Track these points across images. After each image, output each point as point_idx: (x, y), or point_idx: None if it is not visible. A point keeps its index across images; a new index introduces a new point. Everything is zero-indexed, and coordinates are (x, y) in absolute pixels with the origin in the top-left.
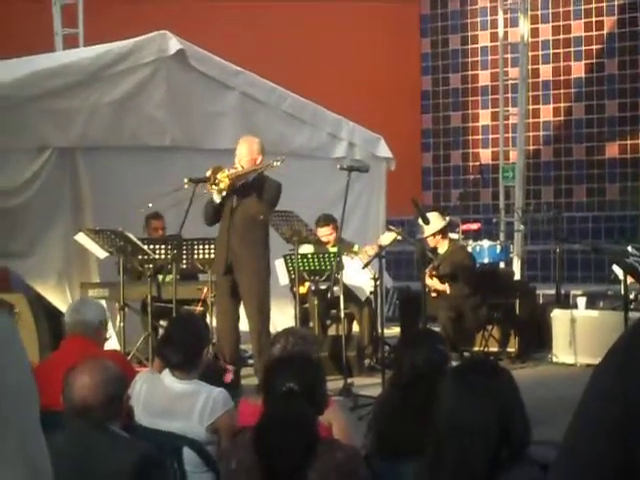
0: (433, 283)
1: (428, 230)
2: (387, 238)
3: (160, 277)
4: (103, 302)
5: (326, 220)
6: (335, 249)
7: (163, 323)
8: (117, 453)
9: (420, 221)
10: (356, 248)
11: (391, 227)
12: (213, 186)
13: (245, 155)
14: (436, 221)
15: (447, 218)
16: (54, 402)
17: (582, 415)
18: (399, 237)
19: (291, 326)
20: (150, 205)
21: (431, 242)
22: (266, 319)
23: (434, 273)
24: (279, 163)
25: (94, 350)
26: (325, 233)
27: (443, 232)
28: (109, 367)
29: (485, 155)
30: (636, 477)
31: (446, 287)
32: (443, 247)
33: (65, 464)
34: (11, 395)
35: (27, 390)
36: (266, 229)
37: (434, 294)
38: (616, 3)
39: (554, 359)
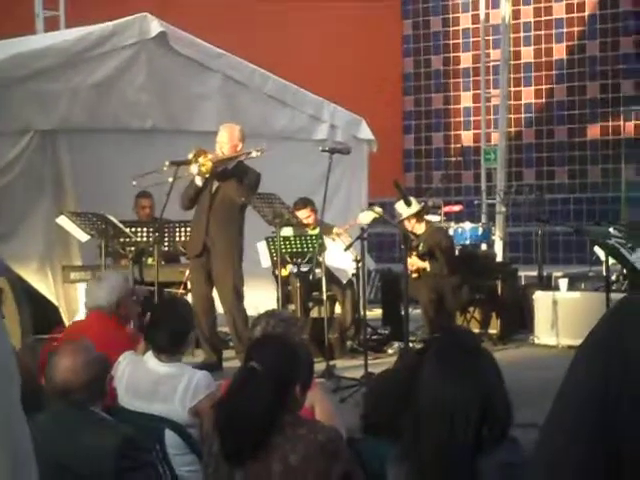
0: (413, 261)
1: (403, 214)
2: (366, 217)
3: (150, 260)
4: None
5: (303, 203)
6: (315, 231)
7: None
8: (99, 435)
9: (398, 205)
10: (335, 230)
11: (374, 207)
12: (195, 169)
13: (226, 142)
14: (410, 206)
15: (422, 203)
16: None
17: (565, 399)
18: (378, 216)
19: (272, 309)
20: (134, 183)
21: (407, 226)
22: (239, 301)
23: (414, 253)
24: (259, 154)
25: (112, 328)
26: (303, 216)
27: (418, 216)
28: (91, 349)
29: (467, 137)
30: (619, 459)
31: (427, 264)
32: (420, 229)
33: (47, 446)
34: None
35: (9, 372)
36: (242, 215)
37: (415, 275)
38: None
39: (536, 341)
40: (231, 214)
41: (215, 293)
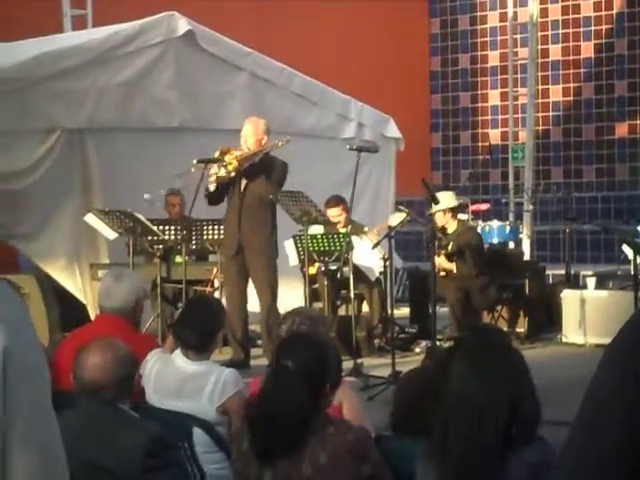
0: (440, 261)
1: (440, 205)
2: (396, 218)
3: (178, 258)
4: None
5: (336, 201)
6: (345, 230)
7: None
8: (127, 434)
9: (440, 194)
10: (366, 229)
11: (400, 207)
12: (222, 169)
13: (251, 136)
14: (449, 199)
15: (461, 200)
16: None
17: (592, 398)
18: (408, 218)
19: (298, 306)
20: (146, 197)
21: (441, 219)
22: (275, 297)
23: (442, 252)
24: (284, 143)
25: (125, 330)
26: (335, 214)
27: (454, 211)
28: (120, 347)
29: (494, 135)
30: None
31: (453, 266)
32: (452, 227)
33: (75, 444)
34: (28, 378)
35: (40, 372)
36: (273, 210)
37: (443, 273)
38: None
39: (564, 339)
40: (261, 210)
41: (250, 291)
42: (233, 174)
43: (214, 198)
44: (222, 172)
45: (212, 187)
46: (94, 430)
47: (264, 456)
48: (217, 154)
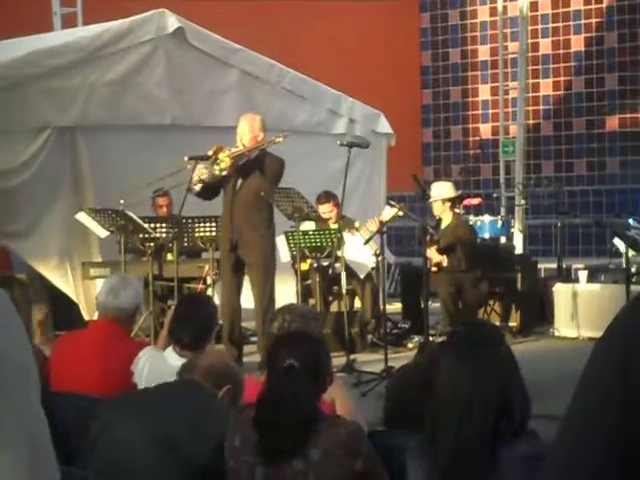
0: (431, 254)
1: (439, 195)
2: (388, 214)
3: (169, 256)
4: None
5: (327, 197)
6: (336, 225)
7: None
8: (213, 420)
9: (437, 184)
10: (357, 224)
11: (392, 202)
12: (215, 166)
13: (246, 133)
14: (449, 189)
15: (459, 191)
16: (68, 383)
17: (581, 390)
18: (400, 213)
19: (289, 303)
20: (122, 202)
21: (438, 208)
22: (271, 296)
23: (434, 246)
24: (281, 140)
25: (122, 337)
26: (326, 210)
27: (452, 202)
28: (237, 369)
29: (485, 130)
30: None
31: (444, 258)
32: (447, 219)
33: (164, 417)
34: (12, 373)
35: (27, 369)
36: (270, 206)
37: (434, 268)
38: None
39: (556, 333)
40: (257, 207)
41: (244, 289)
42: (226, 172)
43: (207, 194)
44: (215, 170)
45: (197, 188)
46: (185, 409)
47: (273, 456)
48: (210, 152)
